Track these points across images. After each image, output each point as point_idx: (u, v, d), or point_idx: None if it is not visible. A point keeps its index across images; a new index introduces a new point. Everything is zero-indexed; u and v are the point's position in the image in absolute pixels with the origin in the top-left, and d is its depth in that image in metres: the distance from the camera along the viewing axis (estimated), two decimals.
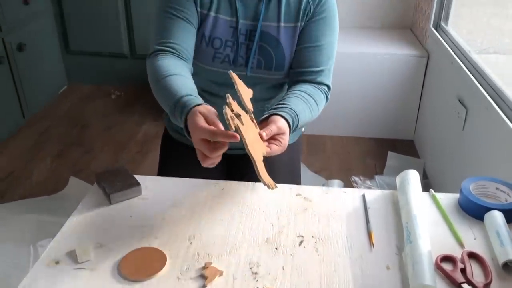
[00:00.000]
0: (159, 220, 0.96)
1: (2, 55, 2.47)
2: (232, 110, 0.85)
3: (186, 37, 1.12)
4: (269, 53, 1.16)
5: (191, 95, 0.97)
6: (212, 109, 0.91)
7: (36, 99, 2.83)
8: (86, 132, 2.69)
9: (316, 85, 1.15)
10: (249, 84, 1.18)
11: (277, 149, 0.93)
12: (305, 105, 1.07)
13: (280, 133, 0.94)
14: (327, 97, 1.19)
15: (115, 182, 1.04)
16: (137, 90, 3.10)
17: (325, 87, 1.18)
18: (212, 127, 0.86)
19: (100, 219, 0.96)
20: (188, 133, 0.93)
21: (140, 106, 2.95)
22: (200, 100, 0.96)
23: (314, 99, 1.11)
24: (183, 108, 0.94)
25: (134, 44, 3.06)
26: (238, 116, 0.85)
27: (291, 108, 1.02)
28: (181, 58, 1.10)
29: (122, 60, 3.10)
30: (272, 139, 0.93)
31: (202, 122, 0.87)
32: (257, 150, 0.87)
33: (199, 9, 1.15)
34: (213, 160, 0.89)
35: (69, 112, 2.91)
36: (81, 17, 3.01)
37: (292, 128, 1.01)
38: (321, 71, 1.16)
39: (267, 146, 0.92)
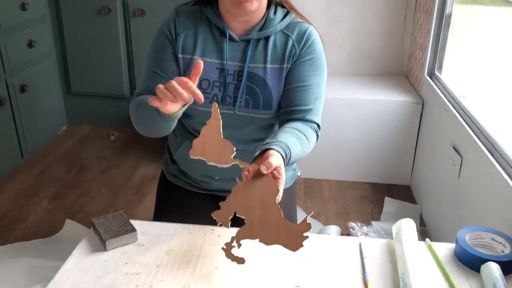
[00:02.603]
0: (154, 268, 0.95)
1: (4, 96, 2.51)
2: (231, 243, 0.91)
3: None
4: (257, 92, 1.20)
5: None
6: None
7: (35, 139, 2.85)
8: (84, 174, 2.69)
9: (306, 122, 1.18)
10: (238, 124, 1.22)
11: (281, 183, 0.94)
12: (296, 139, 1.10)
13: (277, 167, 0.95)
14: (317, 134, 1.21)
15: (111, 228, 1.04)
16: (136, 131, 3.12)
17: (315, 125, 1.21)
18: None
19: (94, 266, 0.96)
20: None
21: (138, 147, 2.97)
22: None
23: (304, 135, 1.14)
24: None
25: (134, 86, 3.11)
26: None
27: (282, 142, 1.03)
28: None
29: (122, 101, 3.14)
30: (271, 174, 0.94)
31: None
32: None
33: (180, 55, 1.21)
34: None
35: (67, 153, 2.92)
36: (84, 59, 3.07)
37: (286, 161, 1.02)
38: (310, 109, 1.20)
39: None
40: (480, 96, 2.31)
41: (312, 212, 0.91)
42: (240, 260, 0.91)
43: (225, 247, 0.92)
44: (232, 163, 0.91)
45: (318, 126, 1.22)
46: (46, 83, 2.97)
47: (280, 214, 0.88)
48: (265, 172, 0.91)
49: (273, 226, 0.88)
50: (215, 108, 0.91)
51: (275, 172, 0.93)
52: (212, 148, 0.91)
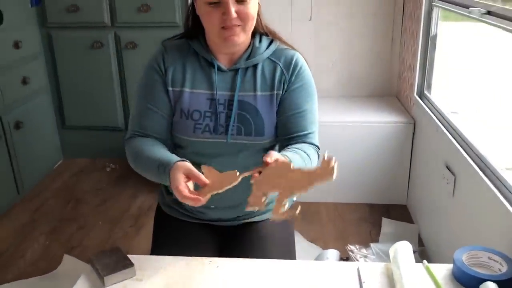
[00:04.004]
0: None
1: None
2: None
3: (156, 127, 1.25)
4: (248, 120, 1.23)
5: (166, 158, 1.11)
6: (183, 164, 1.06)
7: (31, 175, 2.85)
8: (81, 207, 2.68)
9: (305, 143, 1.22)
10: (231, 152, 1.24)
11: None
12: (296, 154, 1.13)
13: (278, 159, 0.99)
14: (317, 153, 1.25)
15: (109, 264, 1.05)
16: None
17: (315, 146, 1.25)
18: (185, 193, 1.00)
19: None
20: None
21: (134, 178, 2.96)
22: (173, 156, 1.11)
23: (304, 151, 1.17)
24: (165, 168, 1.08)
25: (129, 117, 3.12)
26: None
27: (282, 154, 1.07)
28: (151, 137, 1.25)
29: (117, 133, 3.16)
30: None
31: (174, 180, 1.04)
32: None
33: (170, 88, 1.24)
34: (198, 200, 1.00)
35: (63, 187, 2.92)
36: (78, 93, 3.09)
37: None
38: (308, 134, 1.24)
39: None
40: (470, 112, 2.36)
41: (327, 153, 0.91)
42: (292, 213, 0.92)
43: (273, 214, 0.93)
44: (240, 177, 0.97)
45: (318, 147, 1.26)
46: (41, 118, 2.99)
47: (301, 170, 0.92)
48: (270, 161, 0.95)
49: (302, 179, 0.91)
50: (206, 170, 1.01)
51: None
52: (217, 180, 0.99)
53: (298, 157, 1.12)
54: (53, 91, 3.10)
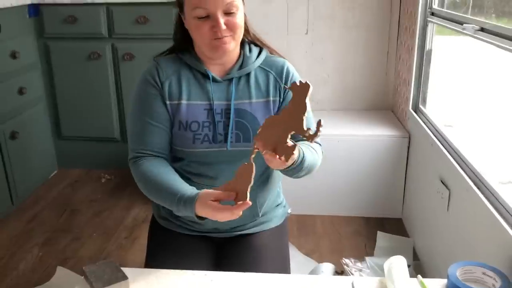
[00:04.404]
0: None
1: None
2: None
3: (159, 141, 1.25)
4: (246, 126, 1.25)
5: (184, 191, 1.13)
6: (206, 192, 1.09)
7: (25, 185, 2.84)
8: (75, 218, 2.67)
9: None
10: (232, 159, 1.25)
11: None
12: (304, 146, 1.17)
13: None
14: (321, 149, 1.29)
15: (102, 276, 1.04)
16: (127, 173, 3.12)
17: (317, 143, 1.29)
18: (217, 206, 1.05)
19: None
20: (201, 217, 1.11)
21: (129, 189, 2.96)
22: (191, 188, 1.13)
23: (310, 145, 1.22)
24: (185, 203, 1.10)
25: (125, 128, 3.13)
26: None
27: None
28: (157, 157, 1.25)
29: (112, 144, 3.16)
30: None
31: (212, 208, 1.06)
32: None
33: (168, 102, 1.25)
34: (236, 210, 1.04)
35: (58, 198, 2.90)
36: (74, 103, 3.09)
37: (300, 156, 1.11)
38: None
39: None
40: (465, 126, 2.38)
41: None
42: (292, 148, 0.98)
43: (283, 158, 0.98)
44: (252, 161, 1.02)
45: (319, 144, 1.30)
46: (36, 129, 2.99)
47: (285, 109, 1.00)
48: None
49: (291, 113, 0.98)
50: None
51: None
52: (239, 182, 1.04)
53: (305, 147, 1.17)
54: (49, 101, 3.10)
